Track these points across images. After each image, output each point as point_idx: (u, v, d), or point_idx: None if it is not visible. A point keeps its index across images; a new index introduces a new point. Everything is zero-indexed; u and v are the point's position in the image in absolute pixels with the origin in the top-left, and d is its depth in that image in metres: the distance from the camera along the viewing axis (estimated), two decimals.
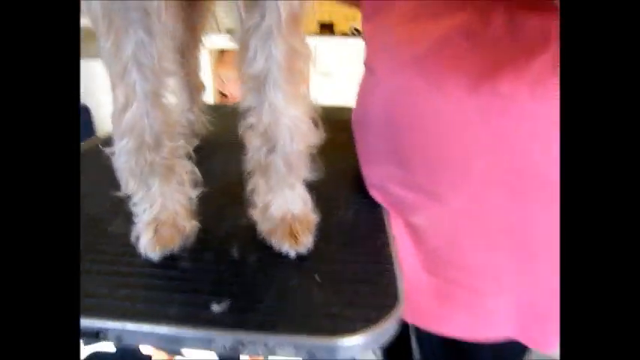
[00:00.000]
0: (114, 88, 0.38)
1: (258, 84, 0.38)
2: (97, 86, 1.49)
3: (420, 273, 0.48)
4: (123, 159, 0.40)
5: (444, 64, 0.42)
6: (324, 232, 0.43)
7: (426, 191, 0.46)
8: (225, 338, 0.32)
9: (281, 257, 0.41)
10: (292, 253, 0.41)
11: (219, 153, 0.64)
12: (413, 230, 0.49)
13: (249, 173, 0.43)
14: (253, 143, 0.41)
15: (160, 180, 0.41)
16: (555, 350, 0.40)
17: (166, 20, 0.37)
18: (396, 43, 0.46)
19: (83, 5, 0.34)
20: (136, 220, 0.42)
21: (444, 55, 0.42)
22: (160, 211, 0.41)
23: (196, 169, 0.44)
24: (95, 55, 0.36)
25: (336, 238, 0.44)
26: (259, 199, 0.43)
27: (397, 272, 0.39)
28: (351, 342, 0.31)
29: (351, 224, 0.47)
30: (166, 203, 0.42)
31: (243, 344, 0.31)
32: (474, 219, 0.45)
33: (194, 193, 0.43)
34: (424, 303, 0.48)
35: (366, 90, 0.52)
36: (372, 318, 0.33)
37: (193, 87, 0.67)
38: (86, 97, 1.67)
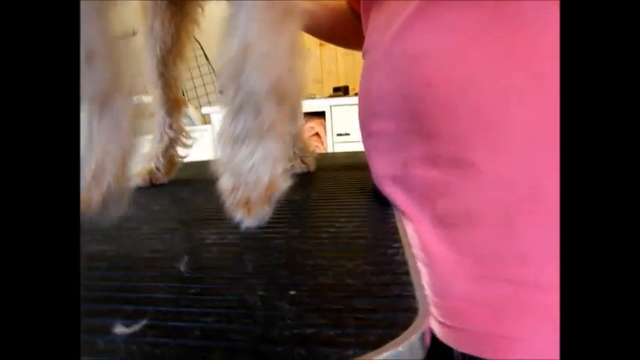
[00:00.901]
0: None
1: (234, 7, 0.35)
2: None
3: (463, 282, 0.37)
4: None
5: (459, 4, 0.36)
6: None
7: (458, 163, 0.37)
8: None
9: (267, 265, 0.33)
10: (243, 225, 0.36)
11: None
12: (445, 225, 0.38)
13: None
14: (221, 80, 0.37)
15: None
16: None
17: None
18: (396, 5, 0.43)
19: None
20: None
21: None
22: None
23: None
24: None
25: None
26: (224, 152, 0.38)
27: (414, 280, 0.28)
28: None
29: (351, 235, 0.37)
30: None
31: None
32: (522, 189, 0.34)
33: None
34: (476, 321, 0.36)
35: (369, 73, 0.47)
36: (371, 342, 0.21)
37: (173, 100, 0.69)
38: None
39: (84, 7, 0.28)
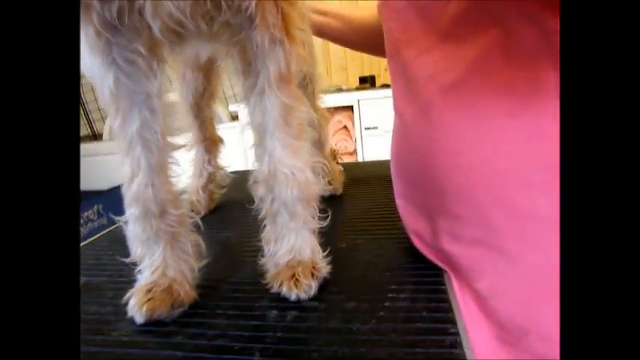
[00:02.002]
0: (122, 159, 0.40)
1: (260, 136, 0.43)
2: None
3: (496, 346, 0.38)
4: (131, 226, 0.42)
5: (478, 87, 0.38)
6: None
7: (488, 246, 0.38)
8: None
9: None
10: (293, 296, 0.40)
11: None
12: (478, 295, 0.40)
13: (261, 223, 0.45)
14: (259, 193, 0.45)
15: (164, 247, 0.42)
16: None
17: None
18: (419, 78, 0.43)
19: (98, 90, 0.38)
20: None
21: (478, 77, 0.38)
22: (159, 276, 0.42)
23: (201, 240, 0.45)
24: None
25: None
26: (268, 246, 0.45)
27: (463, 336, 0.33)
28: None
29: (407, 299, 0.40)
30: (167, 270, 0.42)
31: None
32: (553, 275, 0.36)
33: (197, 264, 0.44)
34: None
35: (398, 139, 0.49)
36: None
37: (210, 139, 0.71)
38: None
39: None
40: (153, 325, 0.39)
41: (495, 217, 0.37)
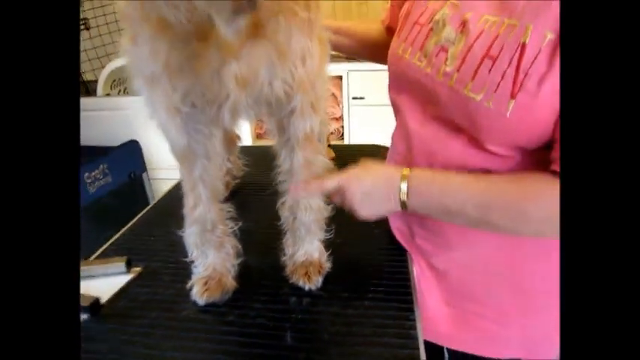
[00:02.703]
0: (187, 194, 0.56)
1: (287, 178, 0.59)
2: (147, 123, 1.64)
3: (442, 304, 0.63)
4: (191, 239, 0.59)
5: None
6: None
7: (439, 244, 0.61)
8: None
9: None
10: (306, 287, 0.59)
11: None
12: (434, 270, 0.62)
13: (283, 230, 0.64)
14: (284, 214, 0.62)
15: (214, 251, 0.59)
16: None
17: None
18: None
19: (169, 145, 0.52)
20: (192, 276, 0.60)
21: None
22: (211, 272, 0.59)
23: (239, 245, 0.62)
24: None
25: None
26: (288, 249, 0.63)
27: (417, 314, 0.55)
28: None
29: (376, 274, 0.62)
30: (216, 267, 0.60)
31: None
32: (475, 265, 0.59)
33: (236, 261, 0.62)
34: (444, 327, 0.62)
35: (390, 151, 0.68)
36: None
37: (230, 139, 0.86)
38: (137, 132, 1.85)
39: None
40: (210, 307, 0.57)
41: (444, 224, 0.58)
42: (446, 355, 0.65)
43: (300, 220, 0.60)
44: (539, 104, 0.43)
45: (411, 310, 0.55)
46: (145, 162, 1.90)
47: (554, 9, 0.43)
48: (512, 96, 0.45)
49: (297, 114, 0.51)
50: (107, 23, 2.17)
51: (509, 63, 0.45)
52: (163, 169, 1.93)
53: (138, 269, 0.66)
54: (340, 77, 1.83)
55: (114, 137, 1.82)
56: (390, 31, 0.80)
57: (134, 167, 1.84)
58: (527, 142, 0.47)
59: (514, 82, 0.44)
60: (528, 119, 0.45)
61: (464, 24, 0.51)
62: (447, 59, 0.51)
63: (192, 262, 0.61)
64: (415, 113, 0.59)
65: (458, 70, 0.50)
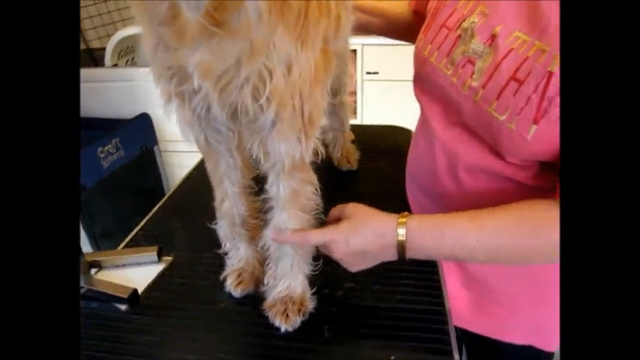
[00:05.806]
0: (215, 189, 0.57)
1: (274, 203, 0.53)
2: (158, 97, 1.61)
3: (460, 287, 0.66)
4: (222, 232, 0.59)
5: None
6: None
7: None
8: None
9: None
10: (282, 329, 0.53)
11: None
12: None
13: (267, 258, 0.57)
14: (267, 242, 0.55)
15: (245, 244, 0.60)
16: None
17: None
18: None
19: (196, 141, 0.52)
20: (226, 267, 0.61)
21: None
22: (244, 264, 0.60)
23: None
24: None
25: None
26: (270, 280, 0.57)
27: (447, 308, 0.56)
28: None
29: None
30: (248, 259, 0.61)
31: None
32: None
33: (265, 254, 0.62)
34: (462, 309, 0.65)
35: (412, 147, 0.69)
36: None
37: None
38: (148, 106, 1.82)
39: None
40: (246, 299, 0.59)
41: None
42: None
43: (284, 250, 0.54)
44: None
45: (442, 305, 0.57)
46: (156, 135, 1.89)
47: None
48: (535, 122, 0.45)
49: (276, 133, 0.44)
50: None
51: (535, 89, 0.45)
52: (174, 141, 1.92)
53: (169, 258, 0.67)
54: (354, 51, 1.78)
55: (123, 109, 1.80)
56: (417, 15, 0.78)
57: (146, 141, 1.83)
58: (547, 159, 0.48)
59: (538, 109, 0.44)
60: (549, 143, 0.46)
61: (493, 38, 0.49)
62: (473, 73, 0.51)
63: (226, 253, 0.62)
64: (439, 116, 0.59)
65: (483, 87, 0.49)
